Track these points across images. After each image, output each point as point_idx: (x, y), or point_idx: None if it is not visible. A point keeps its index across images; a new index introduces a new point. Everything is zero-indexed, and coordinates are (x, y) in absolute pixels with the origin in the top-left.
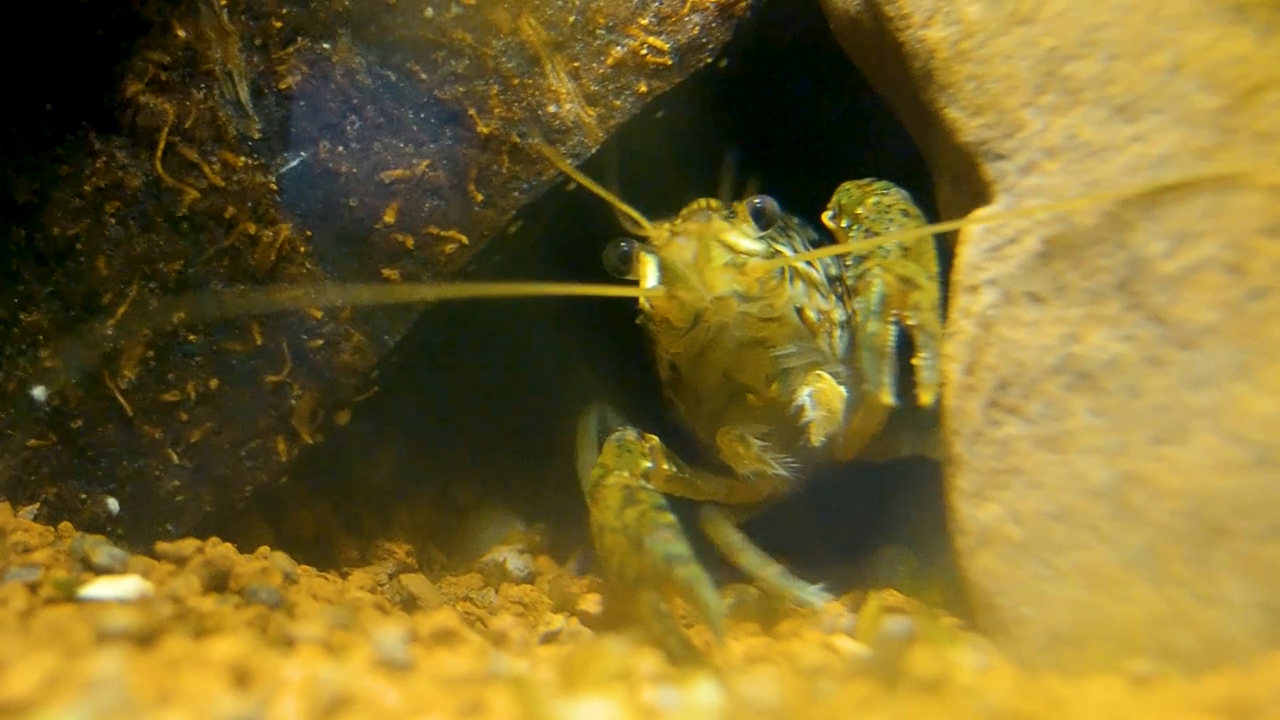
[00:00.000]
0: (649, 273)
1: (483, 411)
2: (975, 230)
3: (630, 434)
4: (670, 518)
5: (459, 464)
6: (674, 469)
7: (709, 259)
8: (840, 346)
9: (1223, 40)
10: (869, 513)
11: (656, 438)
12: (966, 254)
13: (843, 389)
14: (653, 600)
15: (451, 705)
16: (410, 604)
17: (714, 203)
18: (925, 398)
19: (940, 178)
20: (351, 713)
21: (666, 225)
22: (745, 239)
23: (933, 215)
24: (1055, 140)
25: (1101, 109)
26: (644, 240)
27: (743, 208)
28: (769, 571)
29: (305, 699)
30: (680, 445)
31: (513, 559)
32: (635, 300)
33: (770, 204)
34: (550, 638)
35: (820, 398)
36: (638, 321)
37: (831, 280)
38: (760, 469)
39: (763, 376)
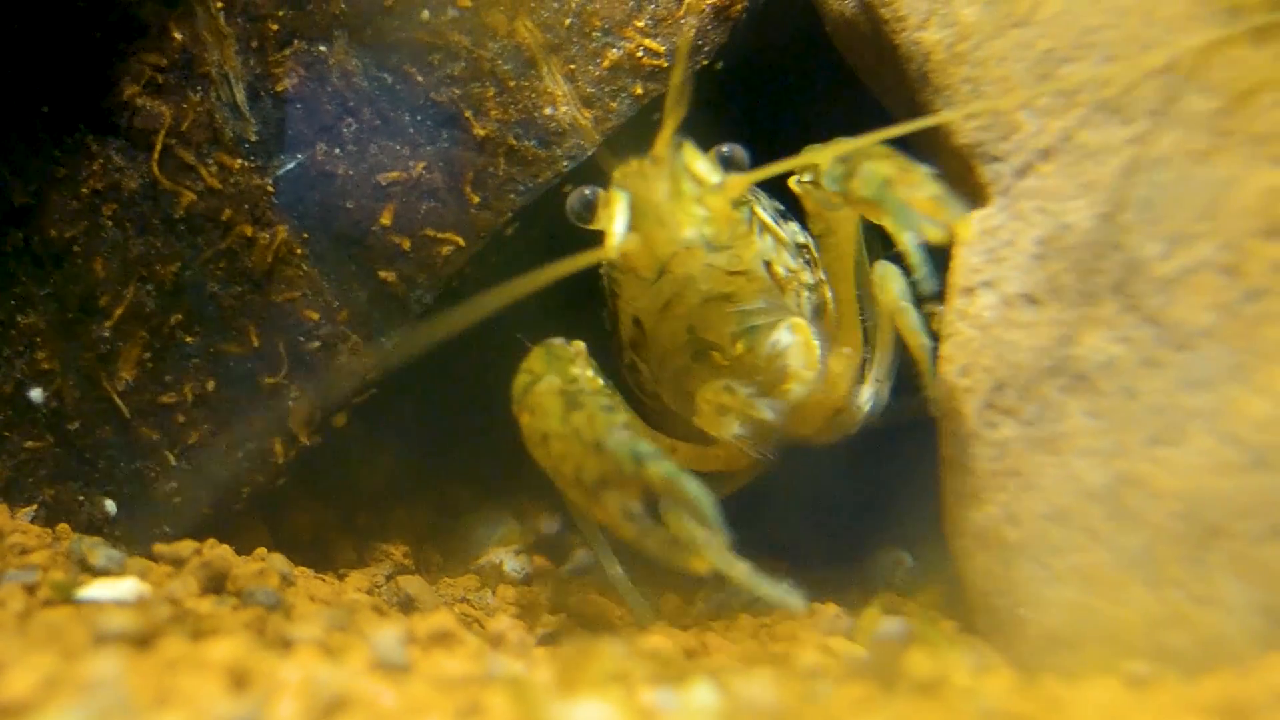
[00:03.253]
0: (618, 213)
1: (479, 413)
2: (972, 233)
3: (557, 341)
4: (624, 416)
5: (456, 466)
6: (604, 382)
7: (679, 193)
8: (808, 308)
9: (1218, 43)
10: (864, 515)
11: (583, 343)
12: (963, 256)
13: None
14: (620, 500)
15: (449, 707)
16: (407, 605)
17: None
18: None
19: None
20: (349, 714)
21: (635, 162)
22: (714, 175)
23: None
24: (1051, 142)
25: (1097, 111)
26: (613, 182)
27: (711, 154)
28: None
29: (303, 700)
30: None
31: (510, 560)
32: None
33: (739, 151)
34: (548, 639)
35: (797, 332)
36: (600, 272)
37: (799, 248)
38: (749, 415)
39: (728, 333)
